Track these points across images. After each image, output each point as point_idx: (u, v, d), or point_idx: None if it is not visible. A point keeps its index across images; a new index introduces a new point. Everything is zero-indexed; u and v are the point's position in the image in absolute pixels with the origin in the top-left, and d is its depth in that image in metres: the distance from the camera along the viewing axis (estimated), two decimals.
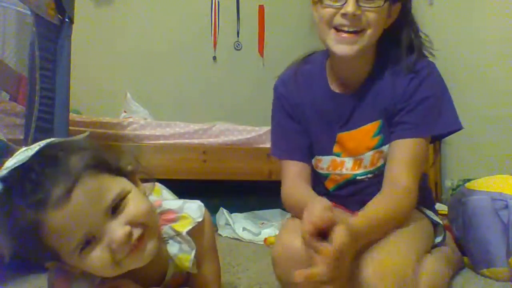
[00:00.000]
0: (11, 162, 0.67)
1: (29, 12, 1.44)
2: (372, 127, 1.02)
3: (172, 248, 0.81)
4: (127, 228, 0.68)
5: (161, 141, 2.07)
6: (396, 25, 0.99)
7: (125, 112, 2.66)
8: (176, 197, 0.93)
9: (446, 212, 1.42)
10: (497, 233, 1.19)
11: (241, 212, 2.08)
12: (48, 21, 1.38)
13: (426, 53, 1.02)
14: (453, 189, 1.95)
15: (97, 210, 0.66)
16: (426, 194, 1.09)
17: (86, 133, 0.79)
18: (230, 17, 3.19)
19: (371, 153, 1.02)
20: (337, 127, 1.04)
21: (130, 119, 2.20)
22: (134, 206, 0.70)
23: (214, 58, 3.16)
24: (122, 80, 2.94)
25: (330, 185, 1.07)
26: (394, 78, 0.99)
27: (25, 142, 1.31)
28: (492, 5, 2.01)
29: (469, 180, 1.45)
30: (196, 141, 2.10)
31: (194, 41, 3.11)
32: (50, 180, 0.64)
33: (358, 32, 0.93)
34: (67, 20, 1.46)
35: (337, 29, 0.94)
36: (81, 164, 0.66)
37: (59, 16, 1.44)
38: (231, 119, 2.40)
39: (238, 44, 3.21)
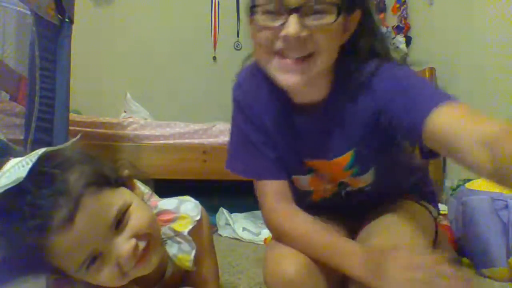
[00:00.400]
0: (3, 181, 0.63)
1: (29, 12, 1.44)
2: (343, 160, 0.88)
3: (171, 248, 0.81)
4: (133, 241, 0.67)
5: (161, 141, 2.07)
6: (356, 33, 0.81)
7: (125, 112, 2.66)
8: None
9: (446, 212, 1.43)
10: (497, 233, 1.19)
11: (241, 212, 2.08)
12: (48, 21, 1.38)
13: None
14: (453, 189, 1.95)
15: (100, 228, 0.65)
16: (427, 188, 1.04)
17: (78, 136, 0.77)
18: (230, 17, 3.19)
19: (347, 179, 0.92)
20: (302, 154, 0.91)
21: (130, 119, 2.20)
22: (137, 218, 0.69)
23: (214, 58, 3.16)
24: (122, 80, 2.93)
25: (316, 198, 0.98)
26: (355, 98, 0.82)
27: (25, 142, 1.31)
28: (492, 5, 2.00)
29: (469, 180, 1.45)
30: (196, 141, 2.10)
31: (194, 41, 3.11)
32: (49, 203, 0.62)
33: (306, 57, 0.75)
34: (67, 20, 1.46)
35: (280, 55, 0.76)
36: (80, 184, 0.64)
37: (59, 16, 1.44)
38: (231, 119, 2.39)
39: (238, 44, 3.21)
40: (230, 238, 1.82)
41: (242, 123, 0.92)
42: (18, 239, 0.62)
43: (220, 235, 1.87)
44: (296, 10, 0.71)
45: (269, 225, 0.91)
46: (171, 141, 2.08)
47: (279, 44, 0.74)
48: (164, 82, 3.04)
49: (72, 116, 1.75)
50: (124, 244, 0.67)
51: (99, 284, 0.69)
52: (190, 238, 0.81)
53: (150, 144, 2.05)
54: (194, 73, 3.09)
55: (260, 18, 0.75)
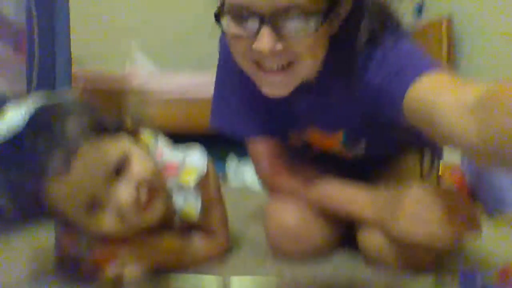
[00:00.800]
0: (1, 128, 0.63)
1: None
2: (335, 137, 0.85)
3: (178, 200, 0.80)
4: (133, 190, 0.66)
5: (168, 95, 2.04)
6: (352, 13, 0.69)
7: (129, 64, 2.61)
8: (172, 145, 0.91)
9: (458, 163, 1.41)
10: (510, 180, 1.19)
11: None
12: None
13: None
14: None
15: (99, 176, 0.65)
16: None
17: (80, 86, 0.76)
18: None
19: (341, 152, 0.89)
20: (296, 125, 0.87)
21: (135, 72, 2.16)
22: (138, 166, 0.68)
23: None
24: (127, 31, 2.86)
25: (314, 153, 0.95)
26: (344, 81, 0.74)
27: (28, 94, 1.29)
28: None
29: None
30: (203, 94, 2.06)
31: None
32: (45, 151, 0.61)
33: (287, 66, 0.66)
34: None
35: (258, 64, 0.67)
36: (78, 132, 0.63)
37: None
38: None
39: None
40: (239, 187, 1.82)
41: (228, 80, 0.86)
42: (16, 187, 0.62)
43: (229, 185, 1.87)
44: (268, 20, 0.60)
45: (266, 186, 0.91)
46: (178, 95, 2.04)
47: (255, 54, 0.65)
48: (169, 30, 2.95)
49: (75, 69, 1.72)
50: (124, 192, 0.66)
51: (103, 231, 0.69)
52: (195, 191, 0.80)
53: (157, 97, 2.02)
54: (202, 19, 2.99)
55: (229, 26, 0.64)
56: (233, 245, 0.96)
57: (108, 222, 0.67)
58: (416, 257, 0.76)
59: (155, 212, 0.71)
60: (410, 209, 0.70)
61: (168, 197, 0.79)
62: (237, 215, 1.15)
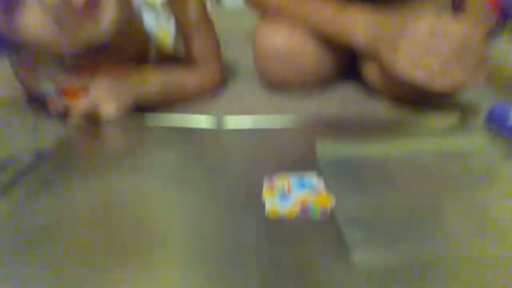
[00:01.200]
0: None
1: None
2: None
3: (148, 22, 0.65)
4: None
5: None
6: None
7: None
8: None
9: None
10: None
11: None
12: None
13: None
14: None
15: None
16: None
17: None
18: None
19: None
20: None
21: None
22: None
23: None
24: None
25: None
26: None
27: None
28: None
29: None
30: None
31: None
32: None
33: None
34: None
35: None
36: None
37: None
38: None
39: None
40: (235, 8, 1.63)
41: None
42: None
43: (224, 5, 1.68)
44: None
45: (255, 6, 0.81)
46: None
47: None
48: None
49: None
50: None
51: (32, 37, 0.56)
52: (165, 10, 0.65)
53: None
54: None
55: None
56: (228, 78, 0.86)
57: (32, 19, 0.54)
58: (422, 93, 0.68)
59: (104, 22, 0.57)
60: (412, 48, 0.63)
61: (134, 12, 0.63)
62: (232, 42, 1.01)
